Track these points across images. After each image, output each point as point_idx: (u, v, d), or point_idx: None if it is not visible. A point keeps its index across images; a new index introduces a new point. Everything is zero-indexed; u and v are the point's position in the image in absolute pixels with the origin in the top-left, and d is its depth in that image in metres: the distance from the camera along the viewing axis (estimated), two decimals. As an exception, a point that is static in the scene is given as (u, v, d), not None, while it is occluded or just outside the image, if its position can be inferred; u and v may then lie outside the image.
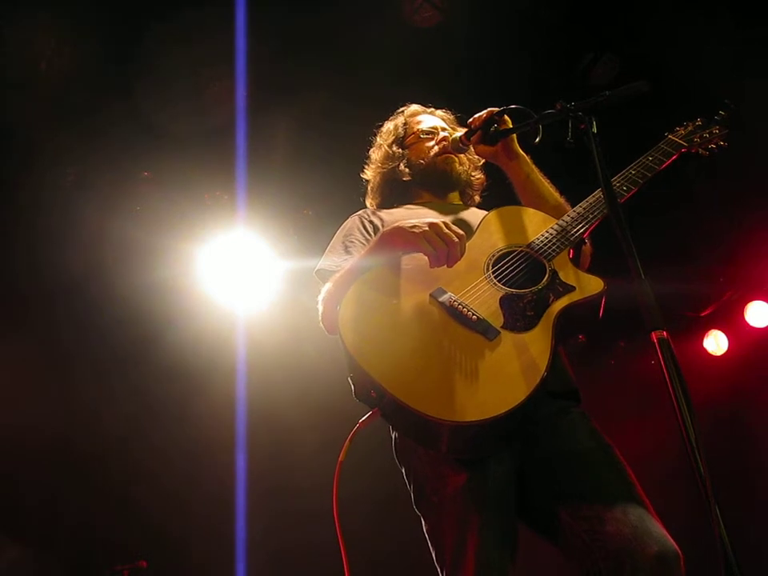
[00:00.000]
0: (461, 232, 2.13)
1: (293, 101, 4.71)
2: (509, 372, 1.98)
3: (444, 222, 2.14)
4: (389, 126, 2.94)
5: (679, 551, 1.95)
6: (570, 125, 2.08)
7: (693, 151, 2.62)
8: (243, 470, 5.57)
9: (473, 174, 2.85)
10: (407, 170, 2.78)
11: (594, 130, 2.00)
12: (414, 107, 2.96)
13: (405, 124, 2.89)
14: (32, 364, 5.13)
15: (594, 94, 2.10)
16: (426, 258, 2.13)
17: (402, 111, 2.96)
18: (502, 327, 2.06)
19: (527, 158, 2.60)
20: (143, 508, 5.31)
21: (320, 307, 2.37)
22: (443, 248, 2.09)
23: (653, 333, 1.63)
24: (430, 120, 2.89)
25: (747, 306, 6.07)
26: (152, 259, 5.19)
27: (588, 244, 2.44)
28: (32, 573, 5.02)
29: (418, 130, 2.84)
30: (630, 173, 2.42)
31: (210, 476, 5.54)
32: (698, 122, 2.68)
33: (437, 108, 2.96)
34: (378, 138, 2.95)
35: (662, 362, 1.61)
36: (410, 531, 2.40)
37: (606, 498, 2.04)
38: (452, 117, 2.93)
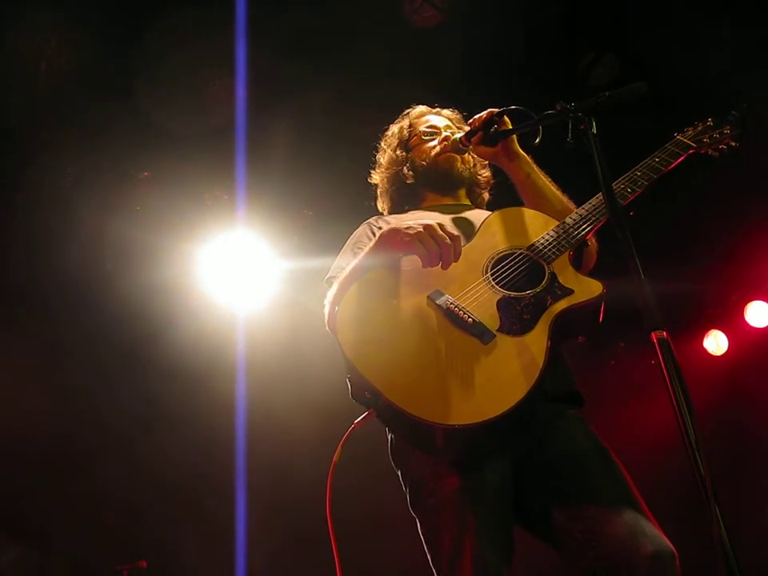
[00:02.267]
0: (455, 233, 2.12)
1: (293, 101, 4.71)
2: (503, 376, 1.97)
3: (439, 224, 2.13)
4: (393, 129, 2.95)
5: (674, 551, 1.95)
6: (569, 126, 2.07)
7: (702, 152, 2.55)
8: (243, 470, 5.57)
9: (480, 172, 2.84)
10: (411, 172, 2.79)
11: (594, 130, 1.99)
12: (420, 108, 2.95)
13: (410, 126, 2.90)
14: (32, 364, 5.13)
15: (594, 95, 2.09)
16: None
17: (408, 113, 2.96)
18: (498, 330, 2.05)
19: (528, 158, 2.58)
20: (143, 508, 5.32)
21: (326, 311, 2.37)
22: (436, 250, 2.08)
23: (652, 333, 1.63)
24: (435, 120, 2.88)
25: (747, 305, 6.07)
26: (152, 259, 5.19)
27: (593, 242, 2.42)
28: (32, 573, 5.02)
29: (420, 131, 2.85)
30: (636, 174, 2.37)
31: (209, 476, 5.54)
32: (709, 122, 2.59)
33: (444, 107, 2.96)
34: (383, 142, 2.96)
35: (662, 362, 1.60)
36: (405, 533, 2.40)
37: (602, 500, 2.04)
38: (459, 116, 2.92)
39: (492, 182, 2.90)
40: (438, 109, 2.95)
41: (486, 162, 2.85)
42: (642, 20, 4.51)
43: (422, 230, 2.11)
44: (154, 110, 4.52)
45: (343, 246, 2.60)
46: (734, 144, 2.58)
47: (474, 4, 4.43)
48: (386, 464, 2.35)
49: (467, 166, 2.77)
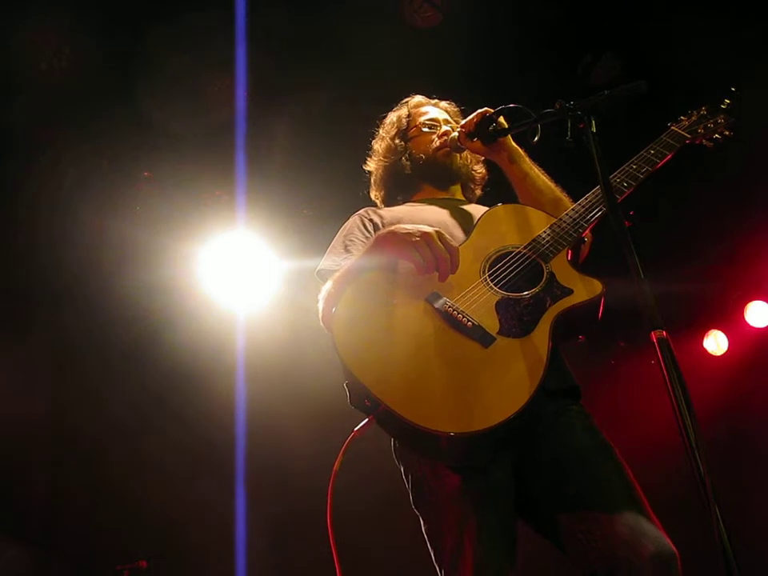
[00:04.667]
0: (454, 245, 2.10)
1: (293, 101, 4.71)
2: (505, 381, 1.94)
3: (438, 233, 2.11)
4: (392, 117, 2.95)
5: (676, 551, 1.94)
6: (569, 124, 2.07)
7: (697, 142, 2.52)
8: (243, 470, 5.56)
9: (474, 168, 2.85)
10: (409, 163, 2.79)
11: (593, 129, 1.99)
12: (418, 98, 2.96)
13: (408, 116, 2.89)
14: (31, 364, 5.13)
15: (593, 94, 2.09)
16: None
17: (407, 102, 2.96)
18: (498, 333, 2.02)
19: (522, 152, 2.59)
20: (143, 508, 5.31)
21: (320, 306, 2.36)
22: (432, 261, 2.07)
23: (652, 333, 1.63)
24: (433, 112, 2.89)
25: (747, 305, 6.07)
26: (152, 259, 5.19)
27: (589, 237, 2.39)
28: (32, 573, 5.02)
29: (420, 122, 2.85)
30: (631, 167, 2.35)
31: (209, 476, 5.54)
32: (703, 111, 2.57)
33: (441, 99, 2.96)
34: (381, 130, 2.96)
35: (662, 362, 1.60)
36: (408, 531, 2.40)
37: (604, 499, 2.03)
38: (456, 109, 2.93)
39: (486, 178, 2.90)
40: (437, 100, 2.95)
41: (481, 159, 2.86)
42: (641, 20, 4.50)
43: (419, 238, 2.09)
44: (154, 110, 4.52)
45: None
46: (728, 133, 2.54)
47: (474, 4, 4.43)
48: (388, 464, 2.34)
49: (465, 162, 2.78)
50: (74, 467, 5.30)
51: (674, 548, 1.94)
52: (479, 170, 2.87)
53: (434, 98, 2.96)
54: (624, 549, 1.92)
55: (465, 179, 2.82)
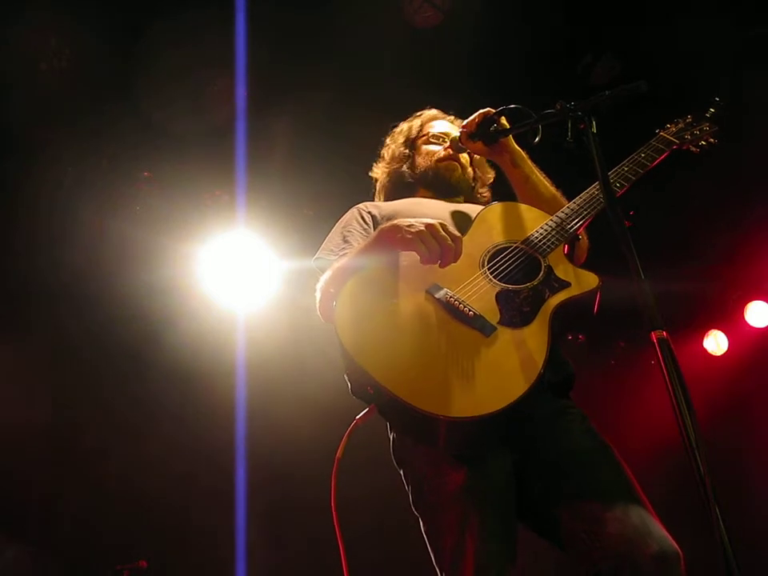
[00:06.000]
0: (457, 234, 2.13)
1: (293, 101, 4.71)
2: (506, 368, 1.98)
3: (441, 223, 2.13)
4: (403, 126, 3.00)
5: (680, 551, 1.94)
6: (569, 125, 2.08)
7: (684, 148, 2.63)
8: (243, 470, 5.57)
9: (479, 172, 2.89)
10: (409, 171, 2.86)
11: (594, 129, 2.00)
12: (434, 111, 3.00)
13: (420, 126, 2.95)
14: (30, 364, 5.13)
15: (593, 94, 2.10)
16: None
17: (421, 114, 3.01)
18: (498, 323, 2.06)
19: (523, 153, 2.62)
20: (143, 508, 5.31)
21: (318, 295, 2.38)
22: (437, 250, 2.08)
23: (652, 333, 1.63)
24: (446, 127, 2.93)
25: (747, 305, 6.07)
26: (152, 259, 5.19)
27: (584, 238, 2.46)
28: (32, 573, 5.02)
29: (428, 133, 2.91)
30: (623, 169, 2.43)
31: (210, 476, 5.54)
32: (689, 119, 2.69)
33: (457, 117, 2.98)
34: (389, 138, 3.02)
35: (662, 362, 1.61)
36: (409, 531, 2.40)
37: (606, 499, 2.03)
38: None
39: (491, 181, 2.94)
40: (453, 117, 2.98)
41: (487, 163, 2.89)
42: (642, 20, 4.51)
43: (423, 228, 2.11)
44: (154, 110, 4.52)
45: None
46: (712, 141, 2.65)
47: (474, 4, 4.43)
48: (389, 460, 2.34)
49: (467, 177, 2.83)
50: (74, 467, 5.30)
51: (678, 548, 1.95)
52: (488, 174, 2.91)
53: (450, 114, 2.99)
54: (628, 547, 1.92)
55: (465, 192, 2.85)
